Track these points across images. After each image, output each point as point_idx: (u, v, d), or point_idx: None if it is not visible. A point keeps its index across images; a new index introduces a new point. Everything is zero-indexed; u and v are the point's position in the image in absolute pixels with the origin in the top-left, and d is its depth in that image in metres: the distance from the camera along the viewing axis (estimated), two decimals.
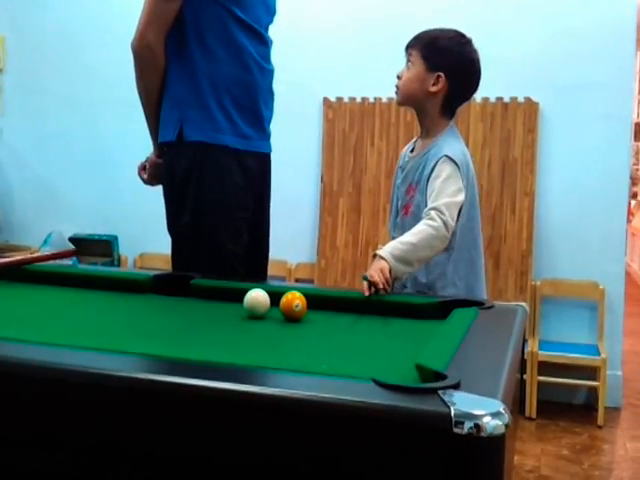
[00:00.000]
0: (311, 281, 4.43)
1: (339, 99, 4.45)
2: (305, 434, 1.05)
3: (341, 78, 4.44)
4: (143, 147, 4.55)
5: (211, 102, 2.31)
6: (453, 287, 2.26)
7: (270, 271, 4.48)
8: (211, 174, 2.31)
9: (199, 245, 2.35)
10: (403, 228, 2.27)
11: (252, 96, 2.38)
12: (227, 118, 2.32)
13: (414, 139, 2.46)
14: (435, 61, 2.29)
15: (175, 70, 2.36)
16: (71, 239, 4.55)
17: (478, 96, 4.20)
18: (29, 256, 2.30)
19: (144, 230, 4.68)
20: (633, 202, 10.88)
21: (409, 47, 2.34)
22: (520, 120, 4.16)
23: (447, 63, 2.29)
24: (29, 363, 1.22)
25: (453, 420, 0.98)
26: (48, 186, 5.01)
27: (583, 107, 4.12)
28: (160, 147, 2.46)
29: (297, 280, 4.49)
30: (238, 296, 1.87)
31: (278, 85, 4.41)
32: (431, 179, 2.21)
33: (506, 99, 4.18)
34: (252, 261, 2.50)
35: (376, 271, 2.00)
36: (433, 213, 2.12)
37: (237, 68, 2.34)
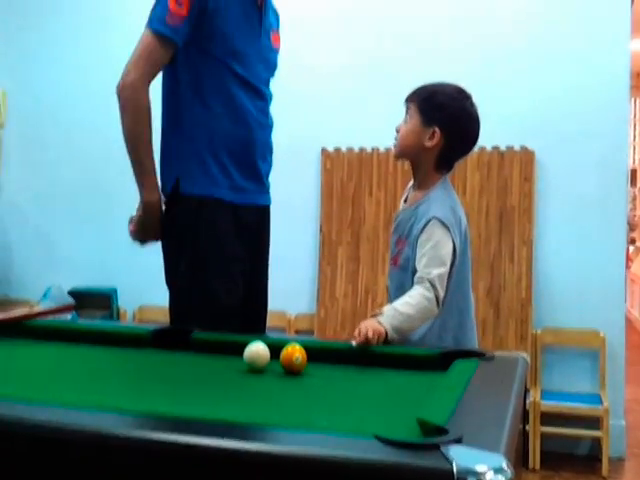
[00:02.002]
0: (311, 332, 4.42)
1: (337, 149, 4.49)
2: None
3: (339, 129, 4.49)
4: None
5: (208, 157, 2.31)
6: (439, 341, 2.26)
7: (270, 322, 4.47)
8: (207, 228, 2.31)
9: (195, 298, 2.34)
10: (392, 279, 2.36)
11: (249, 151, 2.38)
12: (224, 172, 2.32)
13: (409, 185, 2.46)
14: (431, 116, 2.30)
15: (172, 124, 2.38)
16: (70, 292, 4.57)
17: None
18: (28, 312, 2.29)
19: (143, 282, 4.66)
20: (631, 248, 10.91)
21: (408, 100, 2.36)
22: (517, 169, 4.20)
23: (443, 118, 2.30)
24: (25, 422, 1.20)
25: (455, 477, 0.97)
26: (47, 239, 5.02)
27: (578, 155, 4.16)
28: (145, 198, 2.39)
29: (297, 331, 4.47)
30: (238, 349, 1.86)
31: (277, 136, 4.46)
32: (421, 240, 2.22)
33: (502, 148, 4.22)
34: (250, 314, 2.49)
35: (373, 330, 2.00)
36: (428, 284, 2.15)
37: (235, 125, 2.34)
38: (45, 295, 4.42)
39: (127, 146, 2.31)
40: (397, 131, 2.37)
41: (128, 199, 4.88)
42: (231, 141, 2.34)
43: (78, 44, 5.02)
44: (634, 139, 12.25)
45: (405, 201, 2.42)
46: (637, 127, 11.82)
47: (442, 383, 1.59)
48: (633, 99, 11.93)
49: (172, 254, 2.40)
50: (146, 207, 2.35)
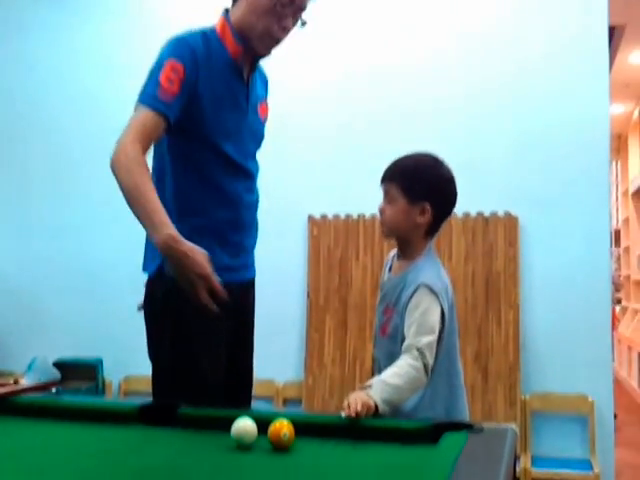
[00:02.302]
0: (299, 400, 4.38)
1: (323, 216, 4.53)
2: None
3: (325, 196, 4.54)
4: (127, 270, 4.58)
5: (194, 238, 2.18)
6: (432, 411, 2.25)
7: (257, 391, 4.42)
8: (192, 308, 2.17)
9: (180, 376, 2.30)
10: (381, 348, 2.34)
11: (236, 231, 2.37)
12: (210, 253, 2.18)
13: (392, 254, 2.46)
14: (417, 193, 2.30)
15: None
16: (55, 363, 4.53)
17: (459, 211, 4.30)
18: (10, 389, 2.27)
19: (129, 353, 4.62)
20: (618, 308, 10.95)
21: (385, 181, 2.34)
22: (501, 234, 4.24)
23: (429, 192, 2.31)
24: None
25: None
26: (32, 309, 4.99)
27: (561, 220, 4.21)
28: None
29: (285, 400, 4.44)
30: (226, 425, 1.85)
31: (263, 203, 4.48)
32: (410, 308, 2.22)
33: (486, 214, 4.27)
34: (236, 389, 2.47)
35: (362, 403, 1.98)
36: (416, 353, 2.14)
37: (221, 207, 2.33)
38: (30, 366, 4.38)
39: (128, 202, 2.11)
40: (381, 212, 2.35)
41: (115, 268, 4.90)
42: (218, 223, 2.31)
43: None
44: (617, 200, 12.41)
45: (390, 270, 2.43)
46: (620, 188, 11.98)
47: (432, 460, 1.58)
48: (615, 161, 12.14)
49: (156, 334, 2.36)
50: (164, 247, 2.06)
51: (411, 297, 2.23)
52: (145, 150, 2.14)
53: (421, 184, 2.32)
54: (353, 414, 1.94)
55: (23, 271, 5.06)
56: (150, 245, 2.32)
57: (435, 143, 4.34)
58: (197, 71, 2.20)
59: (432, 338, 2.18)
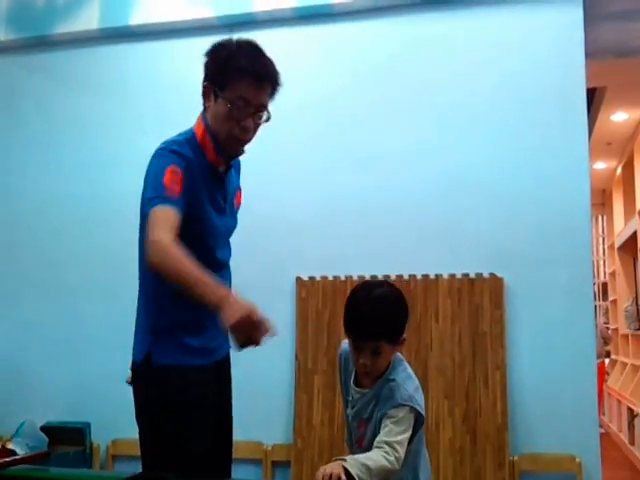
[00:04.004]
0: (288, 463, 4.36)
1: (311, 278, 4.57)
2: None
3: (313, 258, 4.59)
4: (114, 335, 4.59)
5: (177, 330, 2.38)
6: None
7: (246, 453, 4.48)
8: (177, 393, 2.36)
9: (167, 448, 2.37)
10: None
11: (212, 317, 2.20)
12: (193, 341, 2.39)
13: (342, 347, 2.50)
14: (401, 333, 2.35)
15: (144, 298, 2.47)
16: (43, 428, 4.51)
17: (445, 272, 4.35)
18: (2, 461, 2.28)
19: (117, 416, 4.59)
20: (607, 361, 10.96)
21: (370, 339, 2.28)
22: (487, 295, 4.28)
23: (405, 324, 2.37)
24: None
25: None
26: (19, 373, 4.97)
27: (545, 280, 4.26)
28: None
29: (274, 462, 4.42)
30: None
31: (252, 265, 4.59)
32: (387, 417, 2.27)
33: (472, 275, 4.32)
34: (218, 459, 2.54)
35: (333, 470, 2.03)
36: (388, 448, 2.19)
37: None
38: (18, 432, 4.36)
39: (178, 284, 2.18)
40: (366, 366, 2.31)
41: (103, 331, 4.91)
42: (198, 315, 2.31)
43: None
44: (604, 253, 12.51)
45: (353, 380, 2.43)
46: (606, 241, 12.09)
47: None
48: (601, 215, 12.27)
49: (145, 424, 2.44)
50: (219, 304, 2.09)
51: (388, 413, 2.28)
52: (173, 236, 2.17)
53: (402, 325, 2.37)
54: None
55: (11, 336, 5.05)
56: (139, 338, 2.45)
57: (419, 206, 4.47)
58: (191, 175, 2.31)
59: (403, 436, 2.24)
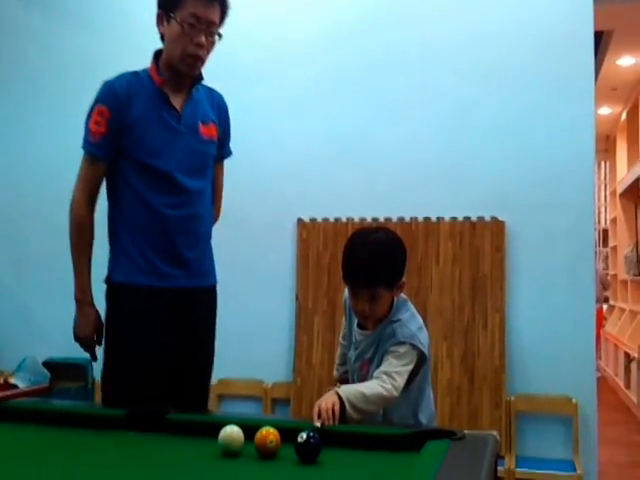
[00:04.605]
0: (287, 401, 4.42)
1: (313, 220, 4.56)
2: None
3: (315, 200, 4.57)
4: None
5: (131, 248, 2.59)
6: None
7: (246, 391, 4.53)
8: (126, 310, 2.59)
9: (113, 373, 2.62)
10: None
11: (168, 241, 2.59)
12: (146, 261, 2.57)
13: (347, 294, 2.48)
14: (398, 278, 2.36)
15: (109, 223, 2.68)
16: (45, 363, 4.55)
17: (447, 215, 4.35)
18: (2, 394, 2.31)
19: None
20: (605, 307, 11.04)
21: (367, 286, 2.30)
22: (488, 238, 4.29)
23: (403, 268, 2.38)
24: None
25: None
26: (22, 309, 5.01)
27: (547, 224, 4.25)
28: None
29: (273, 400, 4.48)
30: (213, 431, 1.89)
31: (253, 206, 4.59)
32: (388, 352, 2.30)
33: (473, 219, 4.32)
34: (185, 388, 2.64)
35: (327, 402, 2.07)
36: (385, 377, 2.22)
37: (147, 219, 2.58)
38: (20, 366, 4.40)
39: (70, 249, 2.67)
40: (364, 312, 2.34)
41: (104, 270, 4.91)
42: (148, 233, 2.58)
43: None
44: (605, 200, 12.49)
45: (360, 327, 2.45)
46: (608, 188, 12.05)
47: (414, 468, 1.63)
48: (603, 162, 12.21)
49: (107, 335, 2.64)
50: (76, 304, 2.66)
51: (390, 348, 2.30)
52: (92, 192, 2.62)
53: (399, 270, 2.37)
54: (324, 423, 2.02)
55: (14, 272, 5.07)
56: (108, 260, 2.67)
57: (423, 149, 4.45)
58: (120, 106, 2.54)
59: (403, 368, 2.26)
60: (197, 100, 2.69)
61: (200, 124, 2.67)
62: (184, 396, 2.60)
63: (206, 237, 2.75)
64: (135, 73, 2.63)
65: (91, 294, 2.63)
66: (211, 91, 2.78)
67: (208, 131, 2.70)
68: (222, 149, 2.82)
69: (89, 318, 2.61)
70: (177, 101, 2.63)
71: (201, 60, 2.58)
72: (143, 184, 2.56)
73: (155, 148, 2.57)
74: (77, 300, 2.65)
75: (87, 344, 2.63)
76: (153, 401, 2.33)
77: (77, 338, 2.64)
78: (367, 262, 2.29)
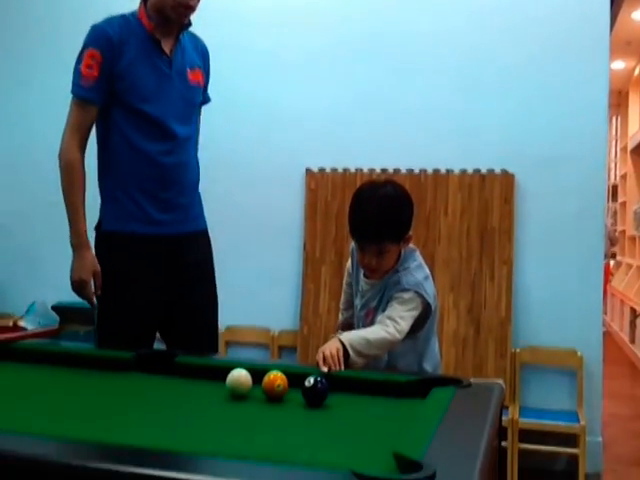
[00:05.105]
0: (294, 348, 4.46)
1: (321, 170, 4.54)
2: None
3: (323, 150, 4.54)
4: None
5: (121, 195, 2.61)
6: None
7: (253, 338, 4.57)
8: (116, 257, 2.61)
9: (105, 312, 2.63)
10: None
11: (158, 188, 2.61)
12: (137, 208, 2.60)
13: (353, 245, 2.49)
14: (405, 232, 2.36)
15: (99, 171, 2.69)
16: (54, 307, 4.58)
17: (456, 167, 4.32)
18: (11, 335, 2.33)
19: None
20: (612, 262, 11.04)
21: (374, 242, 2.31)
22: (497, 191, 4.26)
23: (410, 222, 2.38)
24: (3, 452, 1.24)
25: None
26: (31, 254, 5.02)
27: (557, 178, 4.22)
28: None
29: (280, 347, 4.52)
30: (221, 374, 1.91)
31: (262, 155, 4.58)
32: (393, 298, 2.31)
33: (483, 171, 4.29)
34: (182, 332, 2.69)
35: (331, 349, 2.10)
36: (388, 321, 2.25)
37: (137, 165, 2.59)
38: (29, 310, 4.44)
39: (63, 196, 2.65)
40: (371, 266, 2.36)
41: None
42: (138, 180, 2.60)
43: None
44: (615, 155, 12.39)
45: (366, 276, 2.45)
46: (619, 144, 11.95)
47: (420, 414, 1.64)
48: (615, 117, 12.08)
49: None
50: (73, 248, 2.62)
51: (394, 294, 2.32)
52: (82, 137, 2.59)
53: (406, 224, 2.37)
54: (331, 369, 2.05)
55: (22, 217, 5.07)
56: (103, 205, 2.68)
57: (433, 100, 4.40)
58: (113, 51, 2.52)
59: (407, 313, 2.28)
60: (184, 45, 2.70)
61: (188, 70, 2.69)
62: (192, 339, 2.64)
63: (194, 184, 2.77)
64: (124, 17, 2.62)
65: (87, 238, 2.61)
66: (194, 37, 2.79)
67: (195, 77, 2.73)
68: (205, 94, 2.85)
69: (85, 261, 2.58)
70: (166, 46, 2.64)
71: (192, 9, 2.58)
72: (133, 130, 2.57)
73: (146, 94, 2.57)
74: (73, 245, 2.62)
75: (83, 288, 2.59)
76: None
77: (73, 282, 2.61)
78: (375, 218, 2.29)
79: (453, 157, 4.34)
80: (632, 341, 8.27)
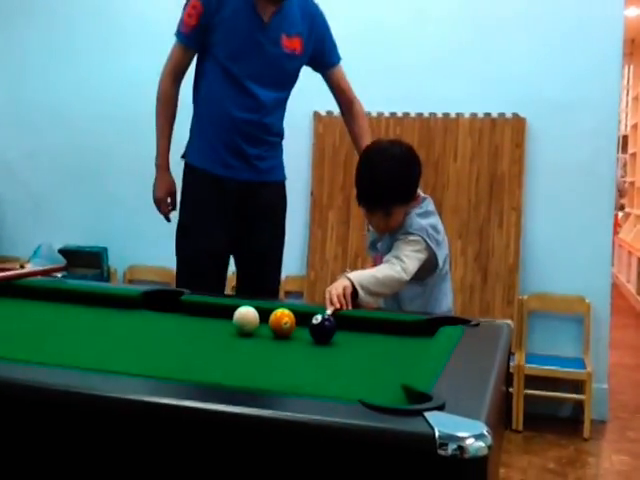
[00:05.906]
0: (301, 294, 4.45)
1: (329, 113, 4.48)
2: (291, 455, 1.07)
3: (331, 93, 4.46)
4: (133, 160, 4.58)
5: (203, 134, 2.84)
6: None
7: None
8: (193, 189, 2.85)
9: (178, 241, 2.88)
10: None
11: (231, 136, 2.79)
12: (212, 148, 2.81)
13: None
14: (413, 192, 2.39)
15: (193, 106, 2.90)
16: (61, 251, 4.58)
17: (467, 111, 4.26)
18: (19, 271, 2.31)
19: (134, 242, 4.69)
20: (620, 214, 10.97)
21: (382, 206, 2.34)
22: (508, 136, 4.21)
23: (417, 182, 2.40)
24: (17, 383, 1.23)
25: (437, 442, 1.00)
26: (38, 198, 5.00)
27: (569, 123, 4.16)
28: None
29: (287, 293, 4.50)
30: (228, 312, 1.89)
31: None
32: (399, 240, 2.34)
33: (494, 115, 4.23)
34: (247, 273, 2.95)
35: (337, 287, 2.11)
36: (394, 260, 2.28)
37: (217, 114, 2.80)
38: (35, 253, 4.43)
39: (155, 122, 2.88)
40: (380, 226, 2.42)
41: (120, 159, 4.90)
42: (216, 125, 2.80)
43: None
44: (626, 105, 12.23)
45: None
46: (630, 93, 11.79)
47: (428, 349, 1.63)
48: (627, 66, 11.90)
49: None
50: (156, 168, 2.90)
51: (400, 236, 2.34)
52: (177, 74, 2.85)
53: (414, 186, 2.39)
54: (337, 305, 2.05)
55: (29, 161, 5.03)
56: (190, 139, 2.90)
57: (443, 44, 4.32)
58: (212, 5, 2.70)
59: (412, 254, 2.30)
60: (287, 11, 2.77)
61: (284, 36, 2.78)
62: (253, 284, 2.88)
63: (270, 142, 2.88)
64: None
65: (167, 161, 2.87)
66: (306, 2, 2.86)
67: (291, 44, 2.80)
68: (327, 57, 3.00)
69: (161, 182, 2.87)
70: (267, 11, 2.73)
71: None
72: (217, 82, 2.76)
73: (233, 52, 2.73)
74: (156, 165, 2.89)
75: (159, 205, 2.88)
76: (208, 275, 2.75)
77: (154, 200, 2.88)
78: (383, 189, 2.31)
79: (463, 100, 4.28)
80: (639, 292, 8.26)
